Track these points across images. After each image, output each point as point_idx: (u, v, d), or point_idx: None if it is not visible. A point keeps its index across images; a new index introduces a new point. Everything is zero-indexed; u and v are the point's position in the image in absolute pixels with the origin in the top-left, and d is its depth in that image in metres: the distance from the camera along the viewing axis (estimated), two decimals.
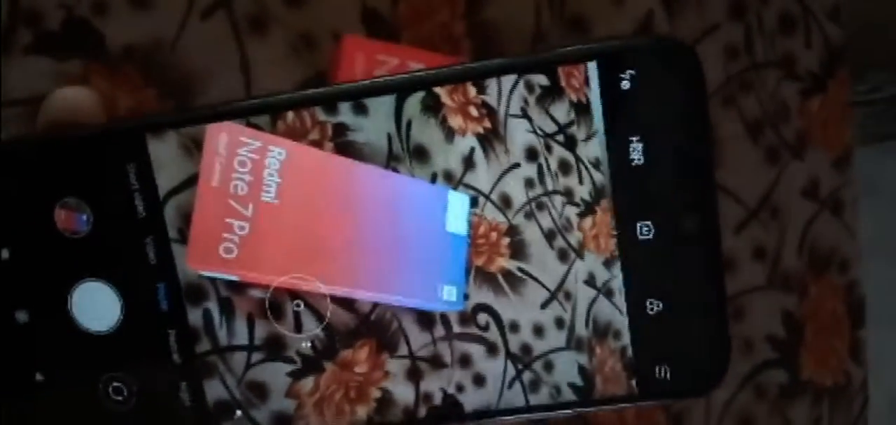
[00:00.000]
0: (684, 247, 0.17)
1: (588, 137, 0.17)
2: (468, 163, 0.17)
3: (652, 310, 0.17)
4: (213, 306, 0.17)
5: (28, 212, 0.17)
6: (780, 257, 0.46)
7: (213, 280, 0.17)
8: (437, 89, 0.17)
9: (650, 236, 0.17)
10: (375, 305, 0.17)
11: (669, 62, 0.16)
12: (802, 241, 0.47)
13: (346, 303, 0.17)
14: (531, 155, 0.17)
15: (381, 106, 0.17)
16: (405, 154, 0.17)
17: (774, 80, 0.46)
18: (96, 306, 0.17)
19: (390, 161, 0.17)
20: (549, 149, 0.17)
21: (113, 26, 0.33)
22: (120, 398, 0.18)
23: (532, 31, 0.40)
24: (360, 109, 0.17)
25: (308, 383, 0.18)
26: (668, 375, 0.17)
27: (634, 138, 0.17)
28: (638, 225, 0.17)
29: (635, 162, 0.17)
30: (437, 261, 0.17)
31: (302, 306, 0.17)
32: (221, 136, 0.17)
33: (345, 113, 0.17)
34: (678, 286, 0.17)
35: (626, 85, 0.16)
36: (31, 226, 0.17)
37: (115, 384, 0.18)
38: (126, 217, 0.17)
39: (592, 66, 0.17)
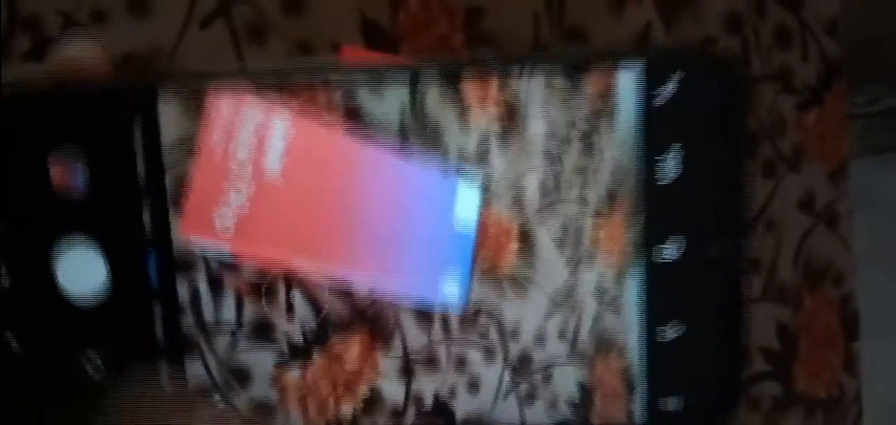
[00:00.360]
0: (710, 272, 0.16)
1: (611, 145, 0.16)
2: (483, 153, 0.16)
3: (667, 335, 0.17)
4: (202, 282, 0.17)
5: (20, 164, 0.16)
6: (775, 269, 0.46)
7: (205, 255, 0.17)
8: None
9: (675, 257, 0.16)
10: (373, 300, 0.17)
11: (711, 77, 0.16)
12: (798, 254, 0.47)
13: (343, 293, 0.17)
14: (549, 156, 0.16)
15: (398, 90, 0.16)
16: (419, 130, 0.16)
17: (771, 94, 0.46)
18: (81, 270, 0.16)
19: (402, 137, 0.16)
20: (568, 152, 0.16)
21: (112, 33, 0.33)
22: (96, 371, 0.17)
23: (530, 41, 0.40)
24: (376, 90, 0.16)
25: (294, 373, 0.17)
26: (677, 405, 0.17)
27: (667, 153, 0.16)
28: (663, 244, 0.16)
29: (666, 178, 0.16)
30: (441, 255, 0.17)
31: (296, 291, 0.17)
32: (227, 103, 0.16)
33: (360, 93, 0.16)
34: (699, 312, 0.16)
35: (662, 97, 0.16)
36: (22, 179, 0.16)
37: (93, 356, 0.17)
38: (125, 176, 0.16)
39: (629, 75, 0.16)
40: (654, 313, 0.16)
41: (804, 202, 0.47)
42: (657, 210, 0.16)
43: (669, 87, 0.16)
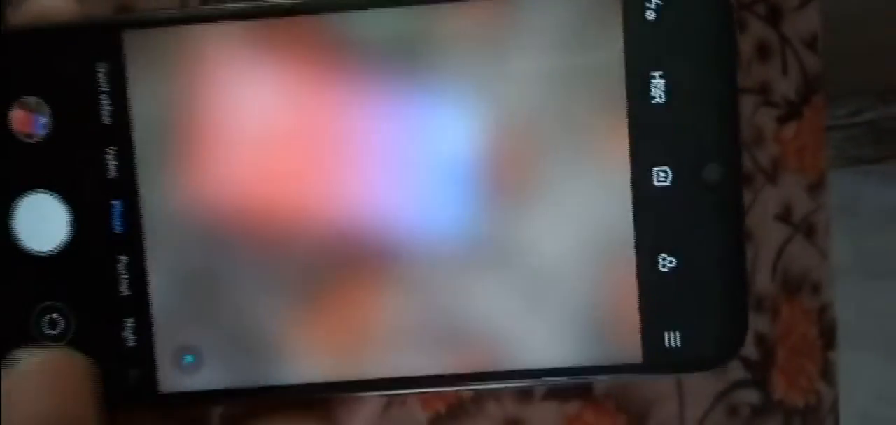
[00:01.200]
0: (705, 198, 0.15)
1: (595, 67, 0.15)
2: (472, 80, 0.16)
3: (664, 266, 0.16)
4: (165, 229, 0.16)
5: None
6: (753, 280, 0.47)
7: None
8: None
9: (667, 182, 0.16)
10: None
11: None
12: (776, 265, 0.48)
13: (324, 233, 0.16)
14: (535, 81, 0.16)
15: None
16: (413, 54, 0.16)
17: (751, 107, 0.47)
18: (42, 222, 0.16)
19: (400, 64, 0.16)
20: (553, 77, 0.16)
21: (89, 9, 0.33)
22: (55, 330, 0.16)
23: None
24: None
25: None
26: (679, 342, 0.16)
27: (655, 74, 0.15)
28: (654, 170, 0.16)
29: (655, 99, 0.15)
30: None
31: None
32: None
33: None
34: (695, 241, 0.16)
35: (650, 15, 0.15)
36: None
37: (53, 314, 0.16)
38: (88, 122, 0.16)
39: None
40: (651, 243, 0.16)
41: (782, 214, 0.48)
42: (649, 133, 0.15)
43: (656, 4, 0.15)
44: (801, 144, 0.48)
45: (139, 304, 0.16)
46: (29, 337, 0.16)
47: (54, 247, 0.16)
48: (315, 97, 0.16)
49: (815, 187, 0.49)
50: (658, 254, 0.16)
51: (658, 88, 0.15)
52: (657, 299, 0.16)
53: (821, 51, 0.48)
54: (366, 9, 0.15)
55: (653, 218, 0.16)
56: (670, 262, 0.16)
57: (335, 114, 0.16)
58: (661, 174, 0.16)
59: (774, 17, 0.47)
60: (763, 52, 0.47)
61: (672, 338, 0.16)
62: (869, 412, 0.64)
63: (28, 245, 0.16)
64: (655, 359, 0.16)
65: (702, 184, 0.15)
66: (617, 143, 0.15)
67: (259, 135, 0.16)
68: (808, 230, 0.48)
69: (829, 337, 0.50)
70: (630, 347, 0.16)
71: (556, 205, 0.16)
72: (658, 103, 0.15)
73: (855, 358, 0.62)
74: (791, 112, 0.48)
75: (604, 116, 0.15)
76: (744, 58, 0.46)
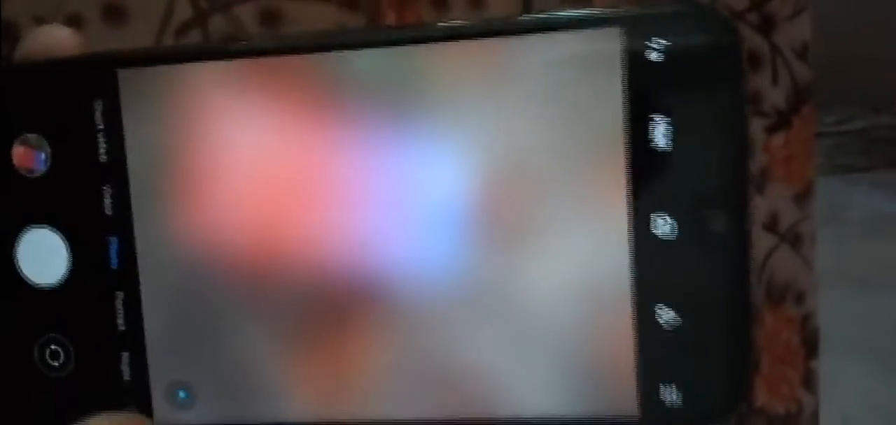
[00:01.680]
0: (709, 249, 0.15)
1: (596, 109, 0.15)
2: (473, 119, 0.15)
3: (663, 318, 0.15)
4: (160, 264, 0.16)
5: None
6: None
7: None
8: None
9: (668, 232, 0.15)
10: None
11: (704, 34, 0.14)
12: (761, 273, 0.48)
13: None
14: (534, 121, 0.15)
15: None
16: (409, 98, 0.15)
17: None
18: (43, 256, 0.16)
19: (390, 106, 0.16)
20: (552, 115, 0.15)
21: (86, 40, 0.33)
22: (56, 362, 0.16)
23: None
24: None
25: None
26: (678, 398, 0.15)
27: (658, 118, 0.15)
28: (654, 218, 0.15)
29: (657, 145, 0.15)
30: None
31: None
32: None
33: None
34: (698, 293, 0.15)
35: (653, 56, 0.14)
36: None
37: (53, 346, 0.16)
38: (86, 159, 0.16)
39: (615, 33, 0.15)
40: (649, 294, 0.15)
41: (769, 223, 0.48)
42: (651, 179, 0.15)
43: (660, 45, 0.14)
44: (789, 154, 0.49)
45: (135, 339, 0.16)
46: (29, 369, 0.16)
47: (55, 280, 0.16)
48: (309, 137, 0.16)
49: (802, 197, 0.49)
50: (657, 305, 0.15)
51: (660, 133, 0.15)
52: (655, 353, 0.15)
53: (811, 61, 0.49)
54: (360, 48, 0.15)
55: (652, 268, 0.15)
56: (670, 315, 0.15)
57: (328, 154, 0.16)
58: (662, 222, 0.15)
59: (766, 27, 0.47)
60: (754, 61, 0.47)
61: (670, 394, 0.15)
62: (852, 418, 0.65)
63: (30, 278, 0.16)
64: (652, 416, 0.15)
65: (706, 233, 0.15)
66: (615, 190, 0.15)
67: (253, 174, 0.16)
68: (794, 239, 0.49)
69: (811, 345, 0.50)
70: (626, 401, 0.15)
71: (553, 251, 0.15)
72: (660, 148, 0.15)
73: (839, 365, 0.62)
74: (780, 122, 0.48)
75: (602, 161, 0.15)
76: None
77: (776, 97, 0.48)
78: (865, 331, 0.72)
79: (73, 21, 0.33)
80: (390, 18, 0.38)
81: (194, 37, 0.35)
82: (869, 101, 0.67)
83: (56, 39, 0.16)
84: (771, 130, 0.48)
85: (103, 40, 0.33)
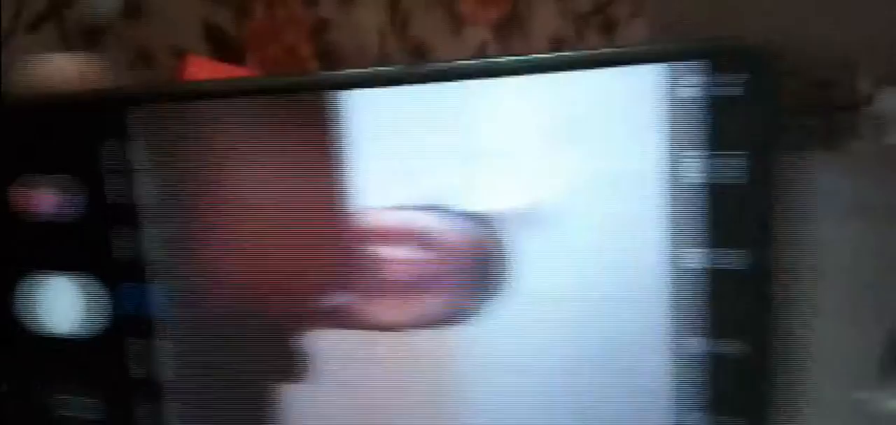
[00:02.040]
0: (767, 284, 0.15)
1: (657, 145, 0.15)
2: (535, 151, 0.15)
3: (703, 349, 0.15)
4: (173, 308, 0.16)
5: None
6: None
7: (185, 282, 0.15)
8: None
9: (706, 268, 0.15)
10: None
11: (743, 69, 0.14)
12: None
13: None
14: (592, 156, 0.15)
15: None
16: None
17: None
18: (50, 301, 0.15)
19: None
20: (610, 153, 0.15)
21: None
22: (74, 411, 0.16)
23: (376, 55, 0.42)
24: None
25: None
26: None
27: (700, 152, 0.15)
28: (694, 255, 0.15)
29: (698, 178, 0.15)
30: None
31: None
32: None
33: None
34: (736, 325, 0.15)
35: (693, 99, 0.14)
36: None
37: (71, 394, 0.16)
38: (95, 200, 0.15)
39: (658, 71, 0.14)
40: (707, 326, 0.15)
41: None
42: (708, 217, 0.15)
43: (697, 83, 0.14)
44: None
45: (151, 386, 0.16)
46: (49, 416, 0.15)
47: (71, 328, 0.16)
48: (320, 173, 0.15)
49: None
50: (696, 335, 0.15)
51: (702, 166, 0.15)
52: (691, 384, 0.15)
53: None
54: (381, 86, 0.15)
55: (691, 303, 0.15)
56: (730, 347, 0.15)
57: (342, 190, 0.15)
58: (700, 259, 0.15)
59: (609, 28, 0.52)
60: None
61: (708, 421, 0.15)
62: None
63: (45, 326, 0.15)
64: None
65: (740, 271, 0.15)
66: (657, 228, 0.15)
67: (270, 213, 0.16)
68: None
69: None
70: None
71: (597, 272, 0.15)
72: (701, 181, 0.15)
73: None
74: None
75: (644, 200, 0.15)
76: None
77: None
78: None
79: None
80: (260, 11, 0.37)
81: (48, 30, 0.32)
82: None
83: (61, 68, 0.16)
84: None
85: None
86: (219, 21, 0.36)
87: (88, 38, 0.33)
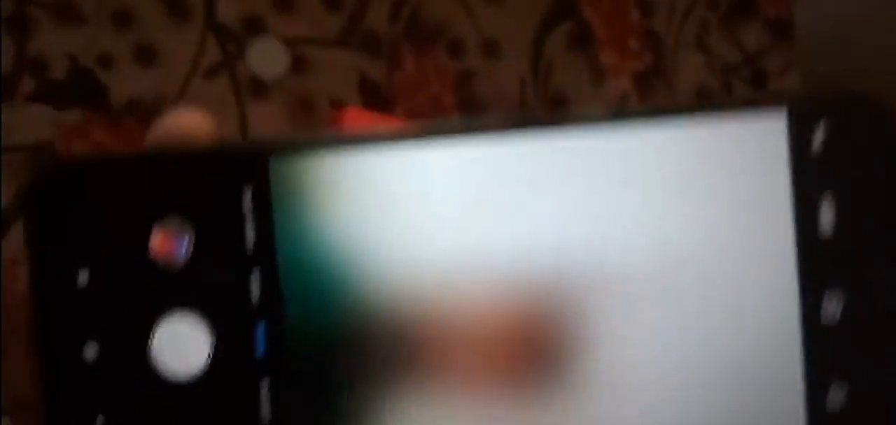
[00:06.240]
0: (876, 327, 0.15)
1: (758, 197, 0.15)
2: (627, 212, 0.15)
3: (834, 400, 0.15)
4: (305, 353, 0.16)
5: (121, 232, 0.15)
6: None
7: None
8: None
9: (836, 313, 0.15)
10: None
11: (865, 120, 0.15)
12: None
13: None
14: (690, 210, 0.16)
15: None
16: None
17: None
18: (182, 345, 0.16)
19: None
20: (710, 206, 0.16)
21: (117, 79, 0.34)
22: None
23: (517, 105, 0.42)
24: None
25: None
26: None
27: (824, 202, 0.15)
28: (823, 299, 0.15)
29: (823, 228, 0.15)
30: None
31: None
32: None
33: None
34: (866, 373, 0.15)
35: (817, 143, 0.15)
36: (121, 248, 0.15)
37: None
38: (233, 245, 0.16)
39: (782, 119, 0.15)
40: (817, 376, 0.15)
41: None
42: (813, 265, 0.15)
43: (820, 135, 0.15)
44: None
45: None
46: None
47: (195, 369, 0.16)
48: (457, 227, 0.16)
49: None
50: (829, 386, 0.15)
51: (826, 216, 0.15)
52: None
53: None
54: (511, 135, 0.15)
55: (822, 349, 0.15)
56: (840, 395, 0.15)
57: (479, 242, 0.16)
58: (831, 304, 0.15)
59: (759, 80, 0.50)
60: None
61: None
62: None
63: (167, 368, 0.15)
64: None
65: (873, 313, 0.15)
66: (786, 273, 0.15)
67: (405, 267, 0.16)
68: None
69: None
70: None
71: (724, 333, 0.15)
72: (826, 231, 0.15)
73: None
74: None
75: (772, 246, 0.15)
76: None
77: None
78: None
79: (104, 61, 0.34)
80: (410, 64, 0.39)
81: (222, 79, 0.36)
82: None
83: (191, 125, 0.16)
84: None
85: (133, 79, 0.34)
86: (372, 73, 0.38)
87: (256, 89, 0.36)
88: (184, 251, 0.15)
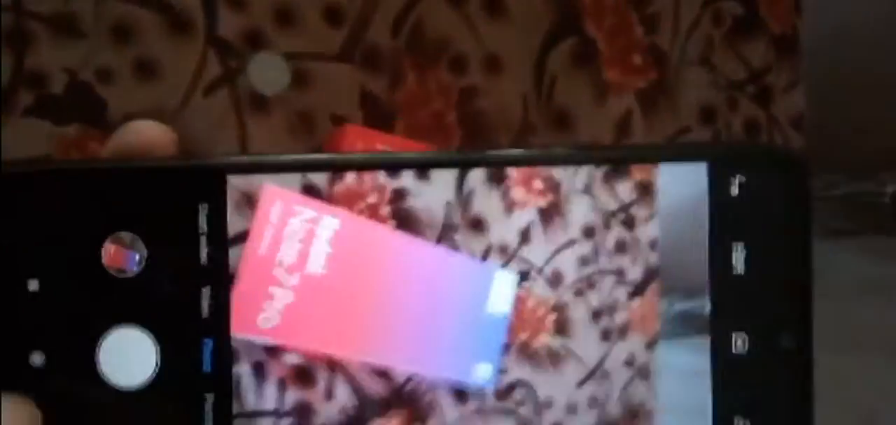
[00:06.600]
0: (777, 367, 0.16)
1: (648, 218, 0.17)
2: (524, 237, 0.17)
3: None
4: (246, 369, 0.16)
5: (72, 242, 0.15)
6: None
7: (250, 342, 0.16)
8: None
9: (744, 350, 0.16)
10: (410, 378, 0.17)
11: (780, 171, 0.16)
12: None
13: (381, 375, 0.17)
14: (589, 232, 0.17)
15: (445, 174, 0.16)
16: (461, 225, 0.17)
17: None
18: (128, 357, 0.16)
19: (445, 231, 0.17)
20: (607, 227, 0.17)
21: (116, 94, 0.33)
22: None
23: (520, 122, 0.42)
24: (423, 176, 0.16)
25: None
26: None
27: (737, 246, 0.16)
28: (733, 336, 0.16)
29: (736, 270, 0.16)
30: (474, 339, 0.17)
31: (336, 376, 0.16)
32: (275, 204, 0.16)
33: (407, 178, 0.16)
34: (767, 406, 0.16)
35: (734, 190, 0.16)
36: (72, 258, 0.15)
37: None
38: (185, 261, 0.16)
39: (701, 168, 0.16)
40: (722, 408, 0.16)
41: None
42: (730, 301, 0.16)
43: (741, 181, 0.16)
44: None
45: None
46: None
47: (140, 381, 0.16)
48: (413, 253, 0.16)
49: None
50: (734, 418, 0.16)
51: (739, 258, 0.16)
52: None
53: (807, 129, 0.51)
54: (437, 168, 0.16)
55: (730, 382, 0.16)
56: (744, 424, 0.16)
57: (397, 264, 0.17)
58: (740, 341, 0.16)
59: (764, 98, 0.49)
60: (752, 129, 0.49)
61: None
62: None
63: (112, 379, 0.16)
64: None
65: (777, 351, 0.16)
66: (653, 286, 0.16)
67: (358, 287, 0.16)
68: None
69: None
70: None
71: (594, 339, 0.17)
72: (738, 273, 0.16)
73: None
74: None
75: (643, 261, 0.16)
76: (734, 135, 0.48)
77: None
78: (852, 396, 0.73)
79: (103, 75, 0.33)
80: (411, 79, 0.39)
81: (221, 95, 0.35)
82: (853, 167, 0.70)
83: (151, 137, 0.16)
84: None
85: (132, 94, 0.34)
86: (373, 89, 0.37)
87: (257, 105, 0.36)
88: (135, 264, 0.15)
